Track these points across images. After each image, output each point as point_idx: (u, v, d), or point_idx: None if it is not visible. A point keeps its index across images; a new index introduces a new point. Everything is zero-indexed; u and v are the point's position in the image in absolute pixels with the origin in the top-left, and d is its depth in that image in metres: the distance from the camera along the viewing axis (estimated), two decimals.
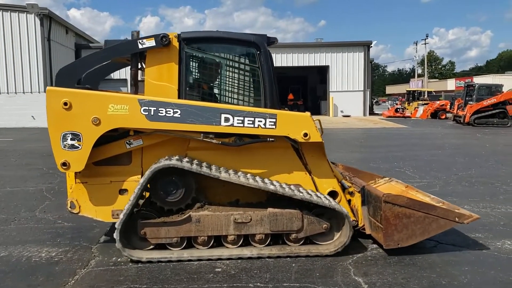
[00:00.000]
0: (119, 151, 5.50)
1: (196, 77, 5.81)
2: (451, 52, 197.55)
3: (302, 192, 5.22)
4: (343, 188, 5.78)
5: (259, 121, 5.32)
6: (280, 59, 37.31)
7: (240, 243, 5.30)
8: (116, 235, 5.00)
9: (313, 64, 39.31)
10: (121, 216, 4.99)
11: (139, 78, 5.70)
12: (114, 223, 5.29)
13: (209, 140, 5.39)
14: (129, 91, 5.80)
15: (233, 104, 5.64)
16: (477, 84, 32.99)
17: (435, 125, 29.34)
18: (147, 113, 5.22)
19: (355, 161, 12.66)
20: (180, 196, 5.22)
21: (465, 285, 4.50)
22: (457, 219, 5.16)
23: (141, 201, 5.65)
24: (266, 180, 5.35)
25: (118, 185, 5.46)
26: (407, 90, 49.18)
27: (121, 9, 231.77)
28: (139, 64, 5.66)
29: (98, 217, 5.50)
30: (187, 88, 5.56)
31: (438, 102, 41.42)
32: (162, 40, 5.37)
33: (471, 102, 29.47)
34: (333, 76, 39.14)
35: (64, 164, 5.20)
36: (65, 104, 5.12)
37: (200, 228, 5.18)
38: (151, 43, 5.40)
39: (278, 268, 4.94)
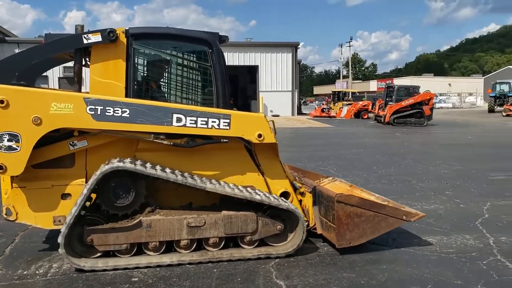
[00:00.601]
0: (62, 152, 5.14)
1: (145, 74, 5.56)
2: (374, 54, 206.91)
3: (259, 195, 5.14)
4: (294, 189, 5.77)
5: (212, 121, 5.18)
6: None
7: (193, 247, 5.13)
8: (60, 239, 4.65)
9: (243, 64, 39.46)
10: (68, 219, 4.66)
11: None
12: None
13: (159, 141, 5.17)
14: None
15: (183, 104, 5.45)
16: (396, 85, 34.62)
17: (358, 125, 30.54)
18: (93, 112, 4.92)
19: (283, 161, 12.78)
20: (130, 201, 4.96)
21: (383, 284, 4.54)
22: (404, 217, 5.32)
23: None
24: (222, 183, 5.22)
25: (60, 189, 5.10)
26: (332, 91, 50.72)
27: (44, 2, 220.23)
28: (83, 60, 5.32)
29: (38, 224, 5.11)
30: (135, 86, 5.30)
31: (361, 102, 43.06)
32: (109, 35, 5.09)
33: (391, 103, 30.79)
34: (263, 76, 39.55)
35: (0, 167, 4.77)
36: (1, 102, 4.70)
37: (152, 234, 4.96)
38: (97, 38, 5.10)
39: (198, 274, 4.76)
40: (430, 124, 28.90)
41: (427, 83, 45.95)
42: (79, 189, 5.11)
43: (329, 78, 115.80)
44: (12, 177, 5.06)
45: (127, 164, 4.78)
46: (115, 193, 4.92)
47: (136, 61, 5.30)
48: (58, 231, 4.74)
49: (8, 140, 4.76)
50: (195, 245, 5.14)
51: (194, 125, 5.14)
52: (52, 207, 5.09)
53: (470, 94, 70.62)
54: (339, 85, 69.85)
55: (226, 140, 5.30)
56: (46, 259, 5.24)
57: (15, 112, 4.76)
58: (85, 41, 5.08)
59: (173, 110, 5.10)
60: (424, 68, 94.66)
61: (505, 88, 44.08)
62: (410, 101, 29.65)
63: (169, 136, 5.20)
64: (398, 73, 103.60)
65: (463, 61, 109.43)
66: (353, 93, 56.30)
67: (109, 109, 4.95)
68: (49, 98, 4.85)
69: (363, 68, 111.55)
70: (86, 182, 5.14)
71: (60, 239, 4.65)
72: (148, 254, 5.04)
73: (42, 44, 5.12)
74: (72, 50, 5.25)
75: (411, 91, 32.71)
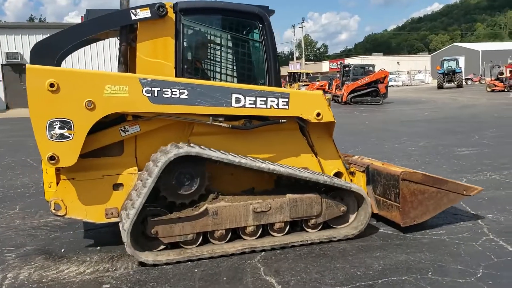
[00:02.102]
0: (112, 140, 4.74)
1: (194, 53, 5.19)
2: (324, 35, 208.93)
3: (328, 178, 4.96)
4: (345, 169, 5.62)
5: (271, 101, 4.91)
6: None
7: (258, 234, 4.89)
8: (125, 238, 4.29)
9: None
10: (132, 213, 4.29)
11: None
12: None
13: (218, 124, 4.86)
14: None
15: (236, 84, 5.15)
16: (352, 64, 34.97)
17: None
18: (150, 94, 4.54)
19: None
20: (196, 187, 4.64)
21: (381, 273, 4.19)
22: (464, 192, 5.29)
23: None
24: (294, 168, 4.98)
25: (112, 179, 4.71)
26: (288, 72, 50.87)
27: None
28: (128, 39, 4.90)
29: (89, 218, 4.70)
30: (185, 66, 4.93)
31: (317, 83, 43.40)
32: (159, 11, 4.70)
33: (347, 82, 31.11)
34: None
35: (52, 158, 4.32)
36: (51, 85, 4.24)
37: (218, 221, 4.68)
38: (145, 13, 4.70)
39: (178, 276, 4.25)
40: (385, 102, 29.32)
41: (376, 63, 46.75)
42: (130, 178, 4.74)
43: (282, 60, 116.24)
44: (58, 169, 4.63)
45: (198, 149, 4.46)
46: (179, 181, 4.57)
47: (185, 38, 4.92)
48: None
49: (60, 128, 4.32)
50: (260, 231, 4.90)
51: (253, 106, 4.86)
52: (104, 199, 4.70)
53: (419, 72, 72.78)
54: (293, 67, 70.19)
55: (284, 121, 5.07)
56: None
57: (66, 97, 4.31)
58: (133, 17, 4.67)
59: (232, 90, 4.79)
60: (372, 48, 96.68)
61: (453, 64, 45.74)
62: (366, 80, 29.98)
63: (226, 118, 4.90)
64: (348, 53, 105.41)
65: (409, 40, 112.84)
66: (307, 74, 56.72)
67: (167, 91, 4.58)
68: (103, 80, 4.42)
69: (314, 49, 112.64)
70: (139, 170, 4.77)
71: (125, 237, 4.28)
72: (213, 243, 4.76)
73: (86, 21, 4.67)
74: (118, 27, 4.82)
75: (367, 70, 33.14)
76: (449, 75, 45.10)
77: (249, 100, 4.83)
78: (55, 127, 4.31)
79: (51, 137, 4.31)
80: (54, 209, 4.59)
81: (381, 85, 30.17)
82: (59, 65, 4.75)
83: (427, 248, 4.75)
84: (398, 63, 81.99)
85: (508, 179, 7.71)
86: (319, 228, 5.10)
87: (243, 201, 4.77)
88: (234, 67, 5.27)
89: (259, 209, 4.77)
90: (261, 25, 5.13)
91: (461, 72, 46.06)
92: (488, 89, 34.78)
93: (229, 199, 4.77)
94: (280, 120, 5.04)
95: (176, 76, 4.83)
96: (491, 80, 34.51)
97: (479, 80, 52.96)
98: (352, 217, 5.20)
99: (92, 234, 5.54)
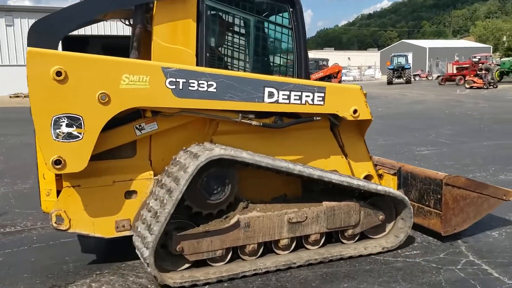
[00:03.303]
0: (126, 139, 4.02)
1: (218, 39, 4.50)
2: None
3: (372, 184, 4.45)
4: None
5: (306, 96, 4.32)
6: (110, 27, 33.37)
7: (292, 247, 4.31)
8: (148, 257, 3.59)
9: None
10: (156, 229, 3.59)
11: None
12: None
13: (248, 121, 4.22)
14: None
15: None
16: None
17: None
18: (174, 86, 3.84)
19: None
20: (226, 195, 3.98)
21: None
22: (504, 196, 4.92)
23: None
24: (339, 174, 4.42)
25: (124, 185, 3.99)
26: None
27: None
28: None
29: (96, 233, 3.96)
30: (207, 54, 4.25)
31: None
32: None
33: None
34: None
35: (57, 162, 3.55)
36: (58, 73, 3.47)
37: (250, 234, 4.05)
38: None
39: None
40: None
41: (328, 57, 47.02)
42: (145, 184, 4.05)
43: None
44: (59, 174, 3.85)
45: (232, 151, 3.81)
46: (208, 188, 3.90)
47: (208, 22, 4.24)
48: None
49: (67, 125, 3.56)
50: (294, 244, 4.32)
51: (287, 101, 4.26)
52: (114, 210, 3.97)
53: (369, 67, 74.05)
54: None
55: (319, 118, 4.49)
56: None
57: (76, 88, 3.56)
58: None
59: (265, 83, 4.16)
60: (324, 42, 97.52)
61: (402, 60, 46.56)
62: (320, 74, 29.78)
63: (256, 115, 4.28)
64: None
65: (360, 36, 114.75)
66: None
67: (193, 82, 3.90)
68: (120, 68, 3.69)
69: None
70: (155, 175, 4.07)
71: (148, 256, 3.58)
72: (244, 260, 4.14)
73: None
74: (132, 6, 4.07)
75: (321, 64, 32.99)
76: (399, 71, 45.81)
77: (283, 95, 4.22)
78: (61, 125, 3.54)
79: (57, 137, 3.54)
80: (55, 222, 3.82)
81: (335, 80, 30.07)
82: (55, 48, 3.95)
83: (402, 275, 4.02)
84: (349, 58, 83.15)
85: None
86: (356, 239, 4.57)
87: (277, 211, 4.16)
88: (261, 57, 4.63)
89: (295, 219, 4.18)
90: (292, 9, 4.52)
91: (410, 68, 46.95)
92: (467, 86, 32.06)
93: (261, 208, 4.15)
94: (315, 118, 4.47)
95: (197, 65, 4.15)
96: (469, 76, 33.58)
97: (426, 76, 54.28)
98: (388, 227, 4.70)
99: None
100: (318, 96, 4.37)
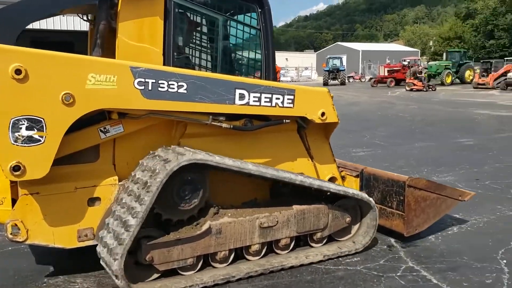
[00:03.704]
0: (89, 143, 3.77)
1: (186, 37, 4.33)
2: None
3: (334, 185, 4.45)
4: None
5: (276, 98, 4.25)
6: (39, 22, 32.13)
7: (262, 253, 4.22)
8: (117, 267, 3.38)
9: (80, 29, 35.44)
10: (125, 237, 3.38)
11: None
12: None
13: (218, 124, 4.08)
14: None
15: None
16: None
17: None
18: (143, 87, 3.64)
19: None
20: (197, 201, 3.83)
21: None
22: (460, 197, 5.08)
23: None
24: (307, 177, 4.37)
25: (87, 192, 3.74)
26: None
27: None
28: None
29: (57, 244, 3.69)
30: (174, 53, 4.08)
31: None
32: None
33: None
34: None
35: (16, 167, 3.26)
36: (18, 72, 3.19)
37: (221, 241, 3.92)
38: None
39: None
40: None
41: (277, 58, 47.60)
42: (110, 190, 3.82)
43: None
44: (13, 181, 3.55)
45: (204, 155, 3.66)
46: (179, 194, 3.73)
47: (176, 20, 4.06)
48: None
49: (28, 128, 3.27)
50: (265, 249, 4.24)
51: (258, 103, 4.17)
52: (76, 218, 3.71)
53: (306, 68, 75.35)
54: None
55: (288, 121, 4.44)
56: None
57: (37, 88, 3.28)
58: None
59: (236, 85, 4.05)
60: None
61: (337, 62, 47.82)
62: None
63: (226, 117, 4.16)
64: None
65: (296, 37, 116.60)
66: None
67: (163, 83, 3.72)
68: (86, 67, 3.43)
69: None
70: (119, 180, 3.85)
71: (117, 269, 3.37)
72: (215, 267, 4.00)
73: None
74: (95, 1, 3.82)
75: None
76: (334, 73, 46.98)
77: (254, 97, 4.13)
78: (21, 128, 3.25)
79: (16, 141, 3.25)
80: (11, 233, 3.51)
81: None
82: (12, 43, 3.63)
83: (344, 285, 3.94)
84: (286, 59, 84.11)
85: None
86: (323, 242, 4.56)
87: (248, 216, 4.06)
88: (229, 57, 4.50)
89: (266, 224, 4.10)
90: (260, 10, 4.43)
91: (344, 70, 48.25)
92: (407, 88, 32.31)
93: (232, 214, 4.03)
94: (284, 121, 4.41)
95: (164, 64, 3.97)
96: (409, 78, 34.25)
97: (359, 78, 55.98)
98: (354, 228, 4.73)
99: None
100: (287, 99, 4.31)
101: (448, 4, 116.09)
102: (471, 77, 38.27)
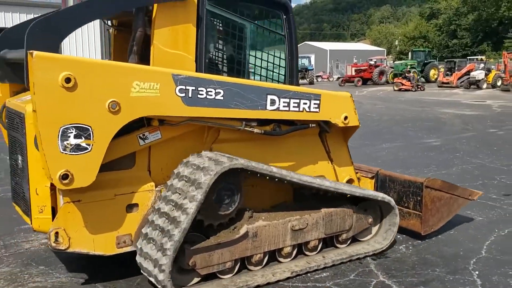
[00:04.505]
0: (128, 150, 3.78)
1: (218, 44, 4.37)
2: None
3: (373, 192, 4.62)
4: None
5: (304, 103, 4.35)
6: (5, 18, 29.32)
7: (293, 254, 4.32)
8: (163, 278, 3.42)
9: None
10: (169, 246, 3.42)
11: None
12: None
13: (250, 129, 4.16)
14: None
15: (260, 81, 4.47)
16: None
17: None
18: (183, 94, 3.68)
19: None
20: (235, 205, 3.89)
21: None
22: (470, 196, 5.32)
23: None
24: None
25: (125, 198, 3.76)
26: None
27: None
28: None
29: (97, 251, 3.69)
30: (206, 60, 4.13)
31: None
32: None
33: None
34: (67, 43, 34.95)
35: (65, 176, 3.25)
36: (67, 80, 3.18)
37: (257, 244, 4.00)
38: None
39: None
40: None
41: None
42: (147, 196, 3.85)
43: None
44: (53, 188, 3.55)
45: (243, 161, 3.74)
46: (219, 200, 3.79)
47: (209, 27, 4.11)
48: None
49: (76, 137, 3.27)
50: (295, 251, 4.34)
51: (287, 108, 4.26)
52: (115, 225, 3.73)
53: None
54: None
55: (313, 125, 4.55)
56: None
57: (85, 96, 3.27)
58: None
59: (267, 90, 4.13)
60: None
61: (306, 62, 48.20)
62: None
63: (257, 122, 4.24)
64: None
65: None
66: None
67: (202, 90, 3.76)
68: (130, 74, 3.45)
69: None
70: (156, 186, 3.88)
71: (165, 279, 3.41)
72: (250, 270, 4.08)
73: (89, 0, 3.58)
74: (132, 9, 3.84)
75: None
76: (302, 72, 47.36)
77: (283, 102, 4.22)
78: (69, 136, 3.24)
79: (64, 149, 3.24)
80: (54, 241, 3.49)
81: None
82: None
83: None
84: None
85: None
86: (348, 243, 4.70)
87: (281, 219, 4.15)
88: (257, 63, 4.58)
89: (297, 227, 4.21)
90: (285, 16, 4.52)
91: (312, 69, 48.73)
92: (395, 88, 31.80)
93: (266, 217, 4.11)
94: (310, 125, 4.52)
95: (196, 71, 4.02)
96: (398, 78, 33.45)
97: (328, 78, 56.61)
98: (375, 229, 4.89)
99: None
100: (314, 103, 4.42)
101: (413, 4, 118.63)
102: (435, 76, 39.33)
